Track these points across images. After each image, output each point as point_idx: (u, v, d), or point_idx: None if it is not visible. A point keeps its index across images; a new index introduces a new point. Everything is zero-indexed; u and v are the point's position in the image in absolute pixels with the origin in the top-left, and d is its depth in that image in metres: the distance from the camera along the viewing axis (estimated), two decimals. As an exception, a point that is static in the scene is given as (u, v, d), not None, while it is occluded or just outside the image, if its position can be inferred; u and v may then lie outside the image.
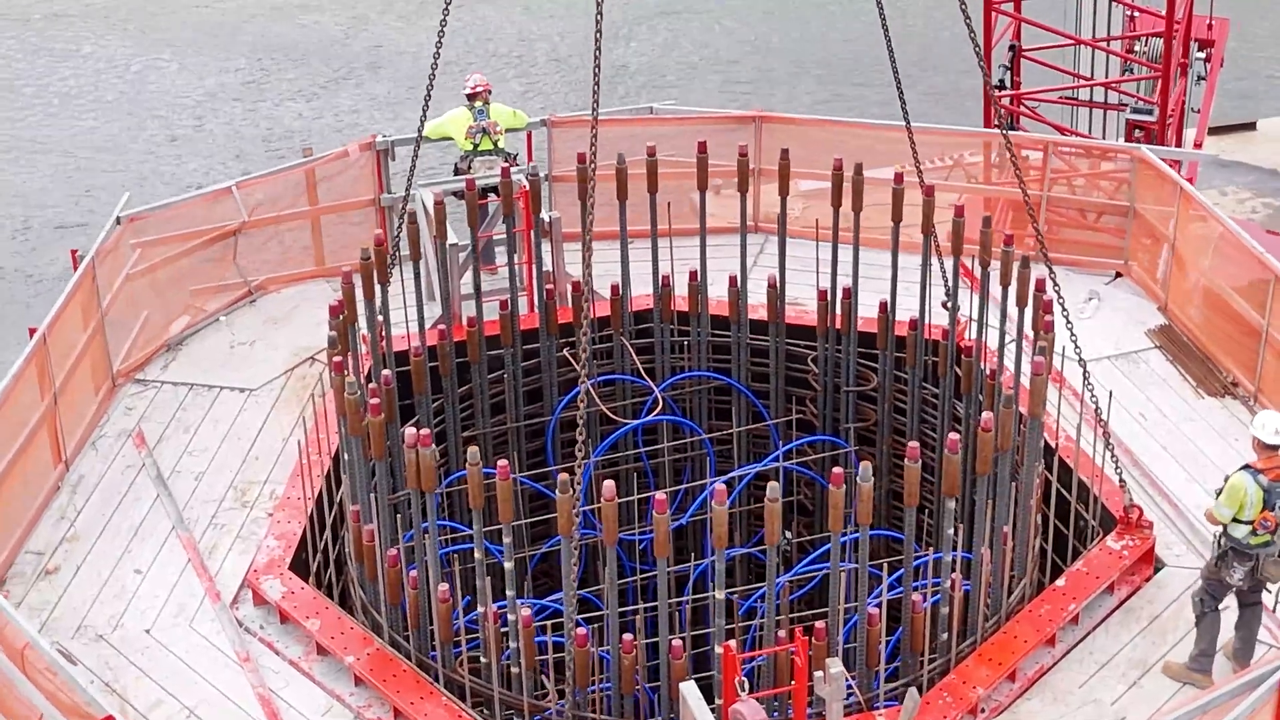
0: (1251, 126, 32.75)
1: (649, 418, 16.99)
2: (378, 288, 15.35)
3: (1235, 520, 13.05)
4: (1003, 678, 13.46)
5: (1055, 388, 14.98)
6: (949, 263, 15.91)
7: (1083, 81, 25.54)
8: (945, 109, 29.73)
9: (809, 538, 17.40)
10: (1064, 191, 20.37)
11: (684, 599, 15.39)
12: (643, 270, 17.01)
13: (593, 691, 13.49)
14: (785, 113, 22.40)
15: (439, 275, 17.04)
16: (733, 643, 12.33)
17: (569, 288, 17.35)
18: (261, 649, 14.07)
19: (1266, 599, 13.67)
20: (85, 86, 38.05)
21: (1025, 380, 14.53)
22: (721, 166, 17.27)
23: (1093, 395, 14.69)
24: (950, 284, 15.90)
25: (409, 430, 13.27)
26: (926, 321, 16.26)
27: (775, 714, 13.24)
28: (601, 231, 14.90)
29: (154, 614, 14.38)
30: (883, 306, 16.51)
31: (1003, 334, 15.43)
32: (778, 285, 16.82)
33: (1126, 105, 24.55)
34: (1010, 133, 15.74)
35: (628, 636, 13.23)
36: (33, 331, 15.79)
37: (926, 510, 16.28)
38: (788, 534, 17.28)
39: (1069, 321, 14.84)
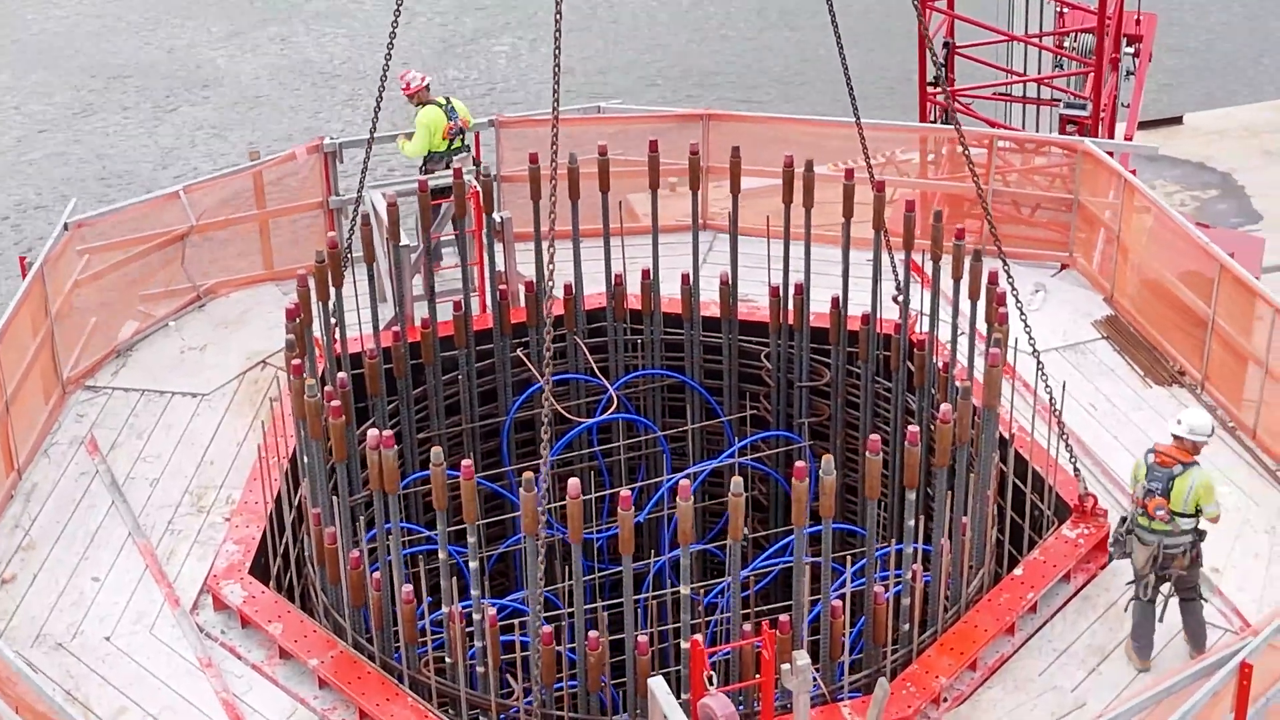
0: (1179, 120, 33.13)
1: (604, 416, 17.04)
2: (331, 290, 15.33)
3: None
4: (964, 667, 13.61)
5: (1007, 380, 15.16)
6: (900, 257, 16.06)
7: (1016, 77, 25.79)
8: (876, 106, 29.79)
9: (764, 533, 17.49)
10: (1002, 186, 20.52)
11: (643, 595, 15.44)
12: (595, 269, 17.06)
13: (559, 689, 13.53)
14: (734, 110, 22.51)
15: (391, 277, 17.03)
16: (699, 637, 12.41)
17: (521, 288, 17.37)
18: (223, 654, 14.00)
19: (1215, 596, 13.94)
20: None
21: (979, 373, 14.69)
22: (670, 165, 17.35)
23: (1046, 386, 14.87)
24: (900, 279, 16.06)
25: (372, 432, 13.25)
26: (878, 316, 16.40)
27: (741, 707, 13.31)
28: (554, 231, 14.91)
29: (113, 621, 14.29)
30: (835, 302, 16.64)
31: (955, 327, 15.58)
32: (730, 282, 16.91)
33: (1059, 101, 24.81)
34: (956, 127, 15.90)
35: (593, 634, 13.27)
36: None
37: (882, 504, 16.42)
38: (744, 529, 17.34)
39: (1023, 313, 15.02)
